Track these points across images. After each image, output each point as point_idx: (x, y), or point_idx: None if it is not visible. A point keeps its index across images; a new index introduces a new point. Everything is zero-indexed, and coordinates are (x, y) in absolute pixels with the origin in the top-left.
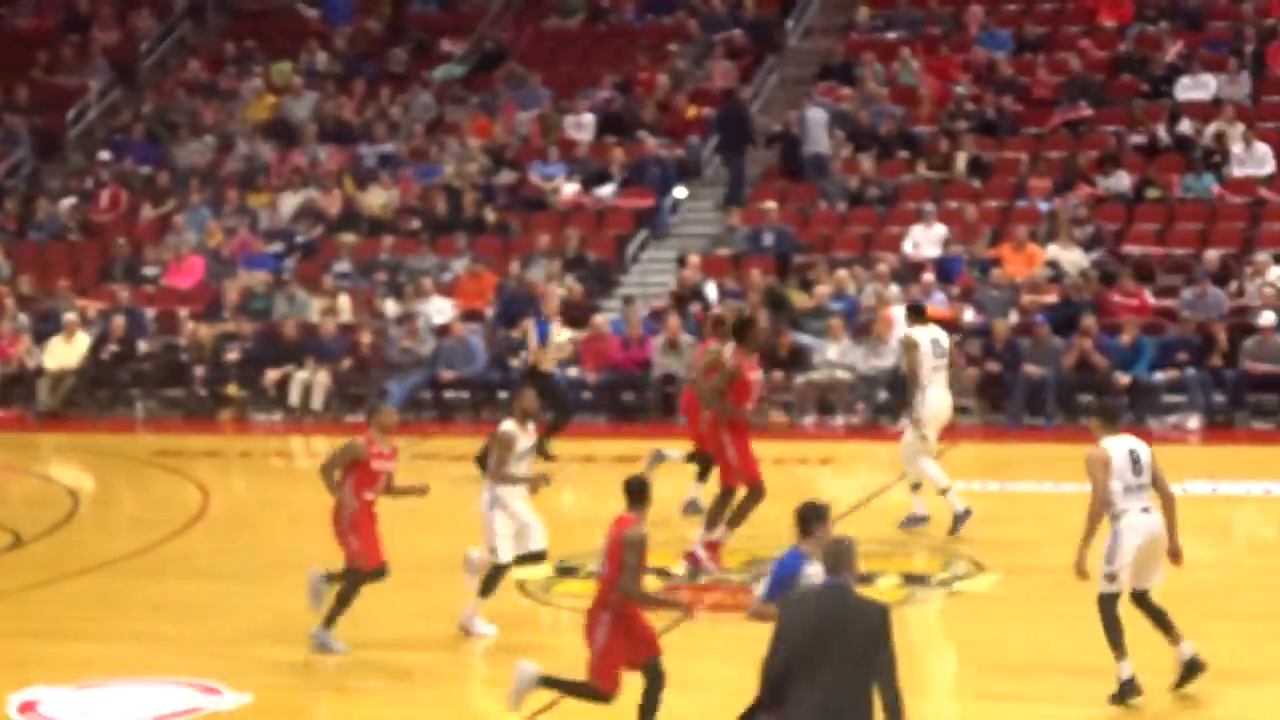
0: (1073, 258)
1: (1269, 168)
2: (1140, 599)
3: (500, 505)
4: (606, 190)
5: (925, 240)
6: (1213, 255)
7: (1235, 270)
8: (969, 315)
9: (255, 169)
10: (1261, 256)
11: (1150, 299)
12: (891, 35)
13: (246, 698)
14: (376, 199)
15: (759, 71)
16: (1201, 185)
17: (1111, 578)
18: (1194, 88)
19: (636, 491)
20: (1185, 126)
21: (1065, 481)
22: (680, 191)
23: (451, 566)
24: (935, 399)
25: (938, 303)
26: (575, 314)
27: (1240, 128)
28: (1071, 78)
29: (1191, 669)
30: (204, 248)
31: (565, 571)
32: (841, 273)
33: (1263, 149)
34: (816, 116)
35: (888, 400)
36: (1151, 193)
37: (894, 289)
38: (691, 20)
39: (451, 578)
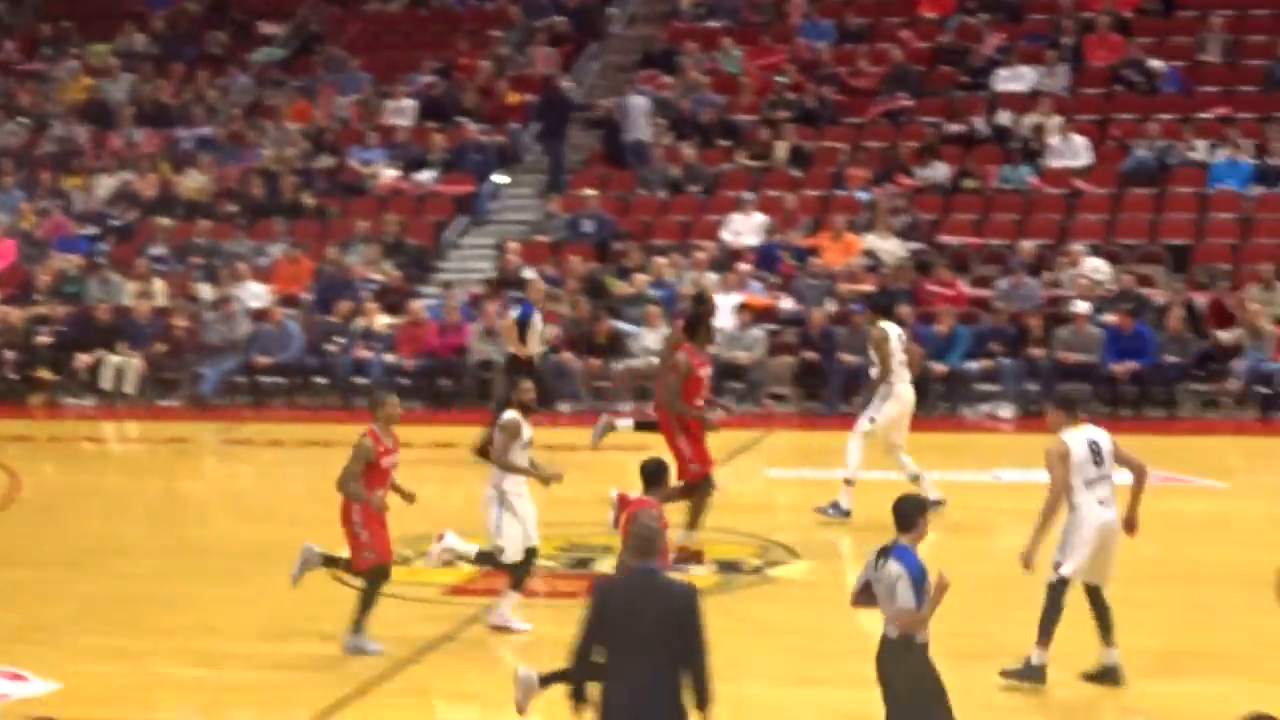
0: (890, 247)
1: (1085, 159)
2: (1092, 594)
3: (505, 504)
4: (426, 176)
5: (745, 229)
6: (1028, 246)
7: (1050, 261)
8: (787, 304)
9: (70, 151)
10: (1076, 247)
11: (966, 289)
12: (714, 24)
13: (55, 685)
14: (193, 182)
15: (581, 58)
16: (1018, 176)
17: (1058, 566)
18: (1012, 79)
19: (652, 474)
20: (1003, 118)
21: (879, 470)
22: (500, 178)
23: (266, 554)
24: (906, 392)
25: (755, 291)
26: (392, 300)
27: (1057, 120)
28: (892, 68)
29: (1107, 675)
30: (16, 230)
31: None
32: (660, 260)
33: (1079, 141)
34: (638, 104)
35: None
36: (969, 183)
37: (713, 277)
38: (514, 6)
39: (268, 565)
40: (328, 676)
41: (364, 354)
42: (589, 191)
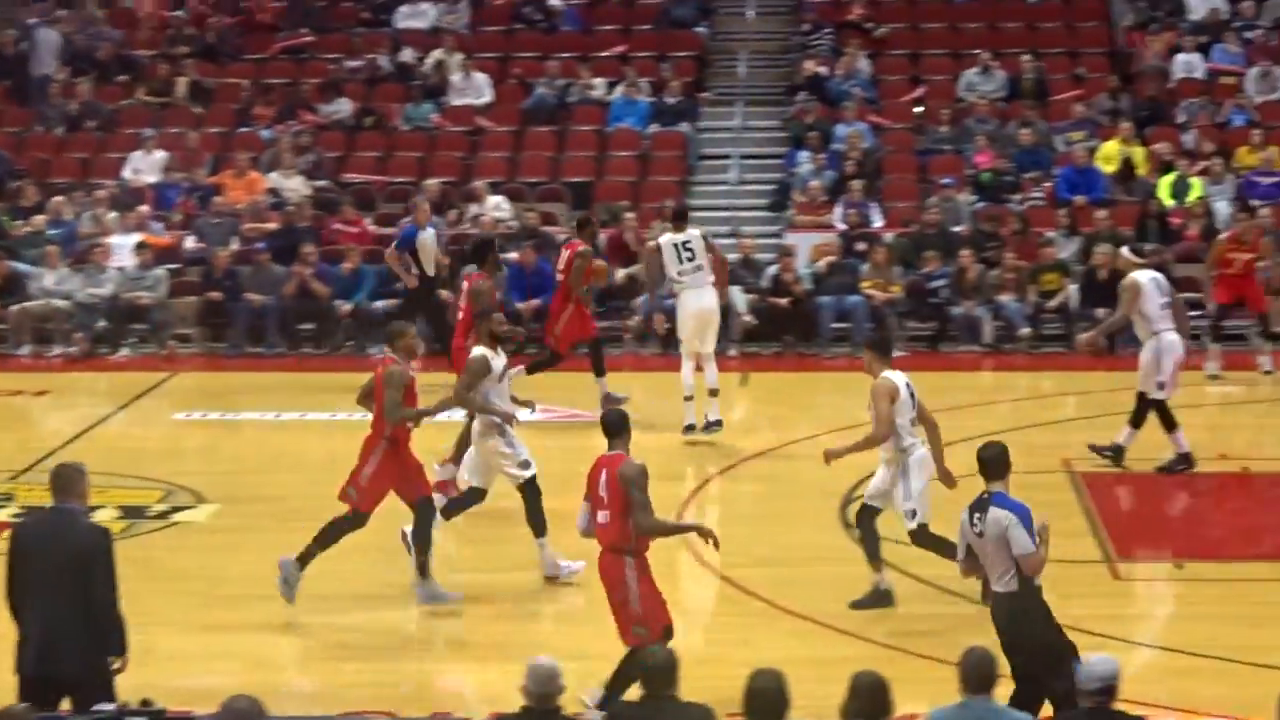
0: (294, 185)
1: (487, 97)
2: (870, 515)
3: (499, 432)
4: None
5: (145, 167)
6: (432, 184)
7: (454, 198)
8: (189, 243)
9: None
10: (479, 184)
11: (371, 227)
12: None
13: None
14: None
15: None
16: (421, 114)
17: (913, 514)
18: (414, 16)
19: (615, 426)
20: (406, 55)
21: (287, 410)
22: None
23: None
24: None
25: (156, 231)
26: None
27: (459, 57)
28: (293, 4)
29: (881, 599)
30: None
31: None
32: (58, 199)
33: (481, 78)
34: (49, 38)
35: (107, 329)
36: (371, 121)
37: (112, 216)
38: None
39: None
40: None
41: None
42: None
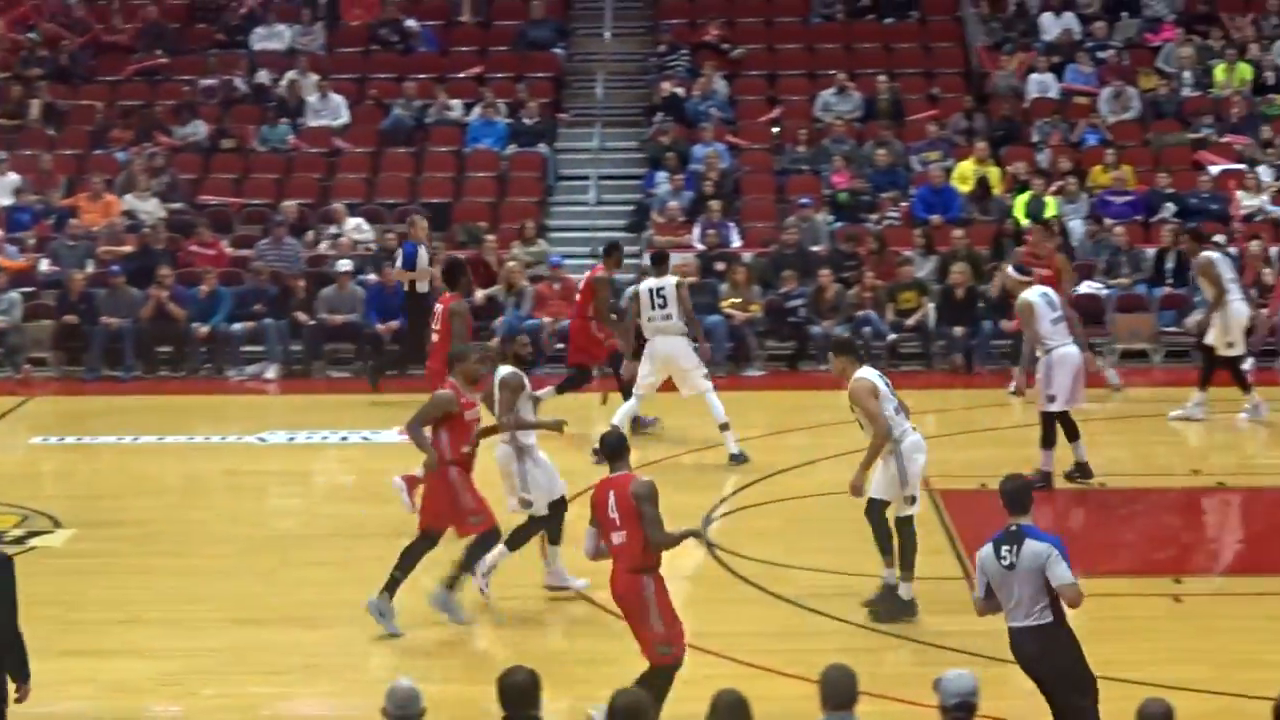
0: (149, 208)
1: (344, 118)
2: (879, 509)
3: (525, 455)
4: None
5: None
6: (290, 205)
7: (312, 220)
8: (44, 266)
9: None
10: (337, 206)
11: (228, 249)
12: None
13: None
14: None
15: None
16: (277, 135)
17: (912, 500)
18: (269, 38)
19: (615, 449)
20: (262, 76)
21: (145, 434)
22: None
23: None
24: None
25: (10, 254)
26: None
27: (314, 78)
28: (147, 25)
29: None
30: None
31: None
32: None
33: (337, 99)
34: None
35: None
36: (228, 143)
37: None
38: None
39: None
40: None
41: None
42: None
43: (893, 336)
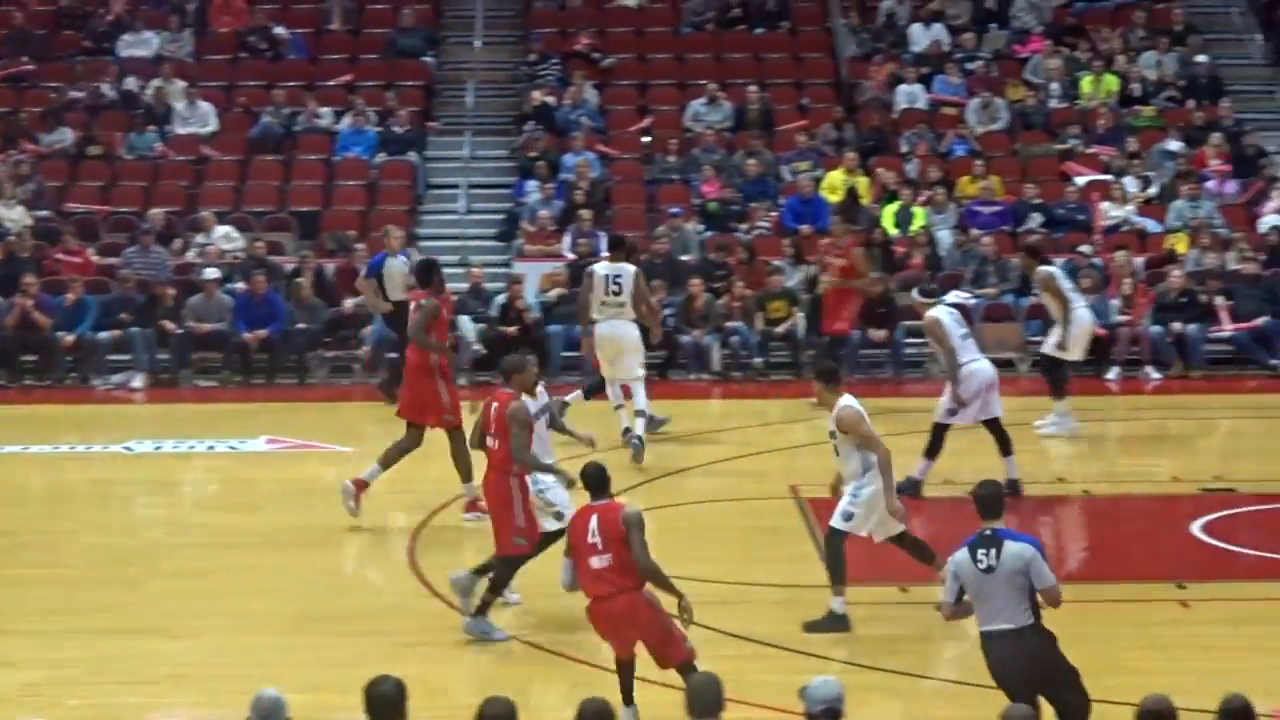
0: (14, 215)
1: (212, 126)
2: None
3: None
4: None
5: None
6: (157, 213)
7: (179, 228)
8: None
9: None
10: (205, 214)
11: (94, 257)
12: None
13: None
14: None
15: None
16: (145, 143)
17: (849, 517)
18: (137, 45)
19: (598, 482)
20: (129, 83)
21: (9, 444)
22: None
23: None
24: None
25: None
26: None
27: (182, 85)
28: (13, 31)
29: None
30: None
31: None
32: None
33: (205, 107)
34: None
35: None
36: (94, 150)
37: None
38: None
39: None
40: None
41: None
42: None
43: (758, 360)
